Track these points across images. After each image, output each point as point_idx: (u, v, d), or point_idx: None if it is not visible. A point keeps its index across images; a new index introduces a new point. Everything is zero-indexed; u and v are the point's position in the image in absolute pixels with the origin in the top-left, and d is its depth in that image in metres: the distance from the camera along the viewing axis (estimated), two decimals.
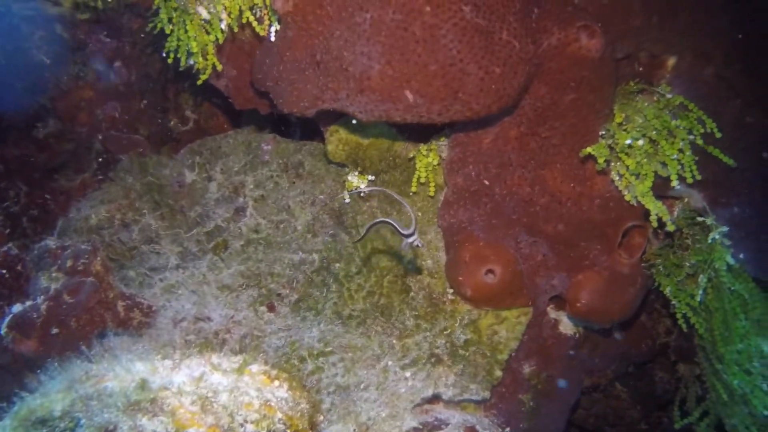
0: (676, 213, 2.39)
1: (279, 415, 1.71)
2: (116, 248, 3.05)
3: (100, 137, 3.38)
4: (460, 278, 2.36)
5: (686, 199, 2.38)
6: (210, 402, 1.65)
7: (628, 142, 2.19)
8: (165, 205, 3.13)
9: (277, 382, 1.84)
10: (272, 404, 1.72)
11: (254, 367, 1.83)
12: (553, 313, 2.56)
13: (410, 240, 2.01)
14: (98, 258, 2.52)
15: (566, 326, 2.57)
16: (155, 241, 3.09)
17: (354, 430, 2.23)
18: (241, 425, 1.64)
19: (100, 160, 3.39)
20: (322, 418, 1.85)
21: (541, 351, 2.53)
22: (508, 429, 2.40)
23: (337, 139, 2.68)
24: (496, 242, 2.37)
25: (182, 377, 1.71)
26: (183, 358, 1.79)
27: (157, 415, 1.54)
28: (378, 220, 2.19)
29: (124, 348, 1.79)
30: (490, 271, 2.33)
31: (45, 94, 3.34)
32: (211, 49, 2.44)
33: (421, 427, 2.27)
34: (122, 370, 1.69)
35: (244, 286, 2.94)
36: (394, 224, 2.04)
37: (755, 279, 2.28)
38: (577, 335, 2.56)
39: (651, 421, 2.89)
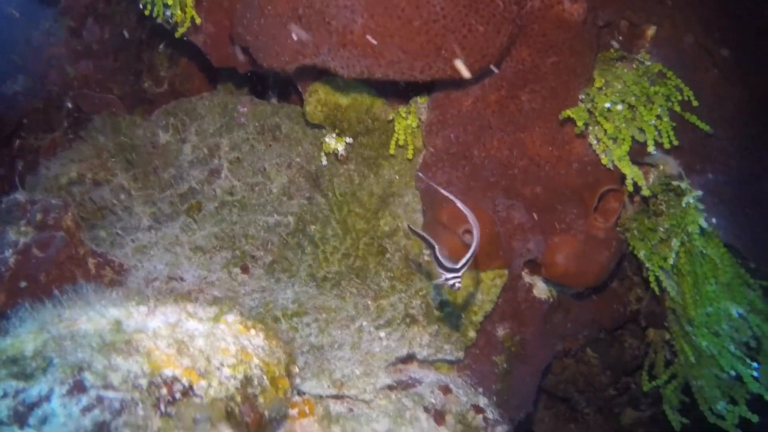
0: (651, 180, 2.41)
1: (256, 360, 1.70)
2: (87, 207, 2.99)
3: (72, 96, 3.30)
4: (437, 239, 2.35)
5: (662, 167, 2.40)
6: (186, 346, 1.63)
7: (607, 105, 2.21)
8: (138, 166, 3.08)
9: (253, 331, 1.82)
10: (249, 351, 1.71)
11: (230, 317, 1.82)
12: (527, 277, 2.58)
13: (450, 277, 1.82)
14: (69, 213, 2.47)
15: (540, 290, 2.59)
16: (127, 201, 3.04)
17: (328, 386, 2.22)
18: (218, 368, 1.63)
19: (71, 119, 3.32)
20: (297, 369, 1.84)
21: (516, 314, 2.54)
22: (480, 389, 2.41)
23: (315, 100, 2.66)
24: (475, 204, 2.37)
25: (157, 323, 1.69)
26: (158, 305, 1.76)
27: (132, 356, 1.52)
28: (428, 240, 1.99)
29: (98, 297, 1.75)
30: (467, 231, 2.33)
31: (14, 51, 3.25)
32: (189, 1, 2.39)
33: (395, 384, 2.27)
34: (96, 314, 1.67)
35: (217, 248, 2.90)
36: (437, 254, 1.87)
37: (726, 245, 2.32)
38: (551, 300, 2.58)
39: (619, 387, 2.93)
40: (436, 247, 1.92)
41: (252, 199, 2.99)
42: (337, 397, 2.23)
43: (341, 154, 2.74)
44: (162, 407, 1.40)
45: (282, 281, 2.79)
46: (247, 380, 1.64)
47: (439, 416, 2.20)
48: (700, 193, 2.17)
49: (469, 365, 2.48)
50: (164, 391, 1.43)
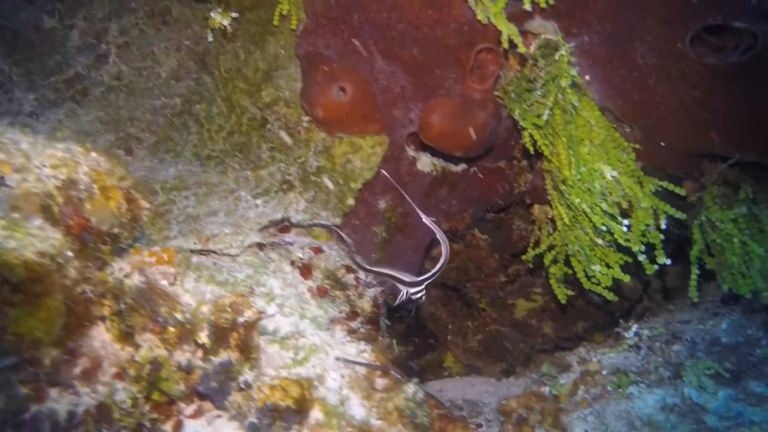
0: (532, 48, 2.40)
1: (85, 168, 1.62)
2: None
3: None
4: (312, 98, 2.31)
5: (542, 35, 2.39)
6: (6, 146, 1.55)
7: None
8: (20, 51, 2.95)
9: (94, 154, 1.75)
10: (79, 160, 1.64)
11: (72, 144, 1.74)
12: (412, 151, 2.55)
13: (413, 291, 1.91)
14: None
15: (424, 164, 2.56)
16: (8, 86, 2.92)
17: (194, 242, 2.16)
18: (38, 168, 1.55)
19: None
20: (147, 204, 1.77)
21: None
22: (359, 257, 2.38)
23: None
24: (351, 65, 2.33)
25: None
26: None
27: None
28: (382, 270, 2.04)
29: None
30: (341, 89, 2.29)
31: None
32: None
33: (264, 242, 2.22)
34: None
35: (102, 132, 2.81)
36: (396, 274, 1.95)
37: (601, 108, 2.32)
38: (435, 173, 2.56)
39: (510, 273, 2.93)
40: (393, 272, 2.00)
41: (140, 83, 2.90)
42: (202, 252, 2.17)
43: (228, 31, 2.66)
44: None
45: (166, 161, 2.72)
46: (71, 182, 1.57)
47: (306, 270, 2.16)
48: (572, 44, 2.15)
49: (349, 234, 2.45)
50: None
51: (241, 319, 1.63)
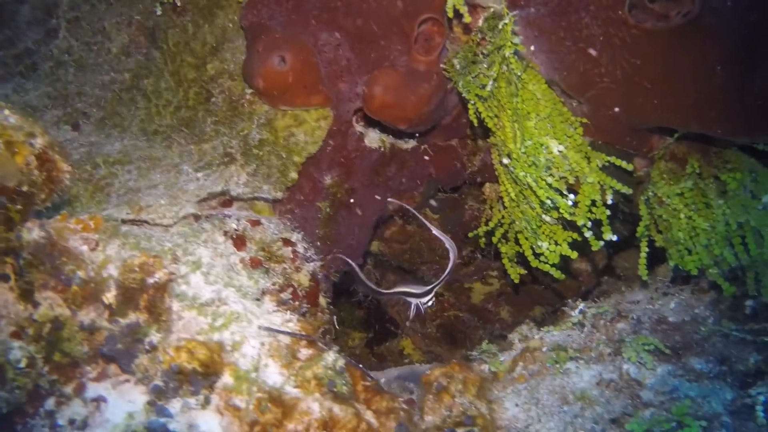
0: (480, 20, 2.35)
1: None
2: None
3: None
4: (253, 68, 2.26)
5: (491, 8, 2.34)
6: None
7: None
8: None
9: (7, 111, 1.70)
10: None
11: None
12: (360, 126, 2.50)
13: (423, 301, 1.92)
14: None
15: (372, 140, 2.51)
16: None
17: (127, 212, 2.11)
18: None
19: None
20: (68, 167, 1.71)
21: (345, 163, 2.46)
22: (302, 233, 2.33)
23: None
24: (293, 35, 2.28)
25: None
26: None
27: None
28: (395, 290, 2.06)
29: None
30: (282, 58, 2.24)
31: None
32: None
33: (200, 214, 2.17)
34: None
35: (49, 107, 2.77)
36: (409, 289, 1.98)
37: (548, 81, 2.28)
38: (383, 149, 2.51)
39: (464, 255, 2.88)
40: (404, 288, 2.04)
41: (90, 58, 2.85)
42: (135, 222, 2.12)
43: (178, 5, 2.61)
44: None
45: (113, 136, 2.67)
46: None
47: (239, 241, 2.11)
48: (516, 12, 2.11)
49: (292, 210, 2.40)
50: None
51: (150, 280, 1.58)
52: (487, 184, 2.60)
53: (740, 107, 1.90)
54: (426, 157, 2.60)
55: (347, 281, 3.10)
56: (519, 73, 2.15)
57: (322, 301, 2.26)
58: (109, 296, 1.54)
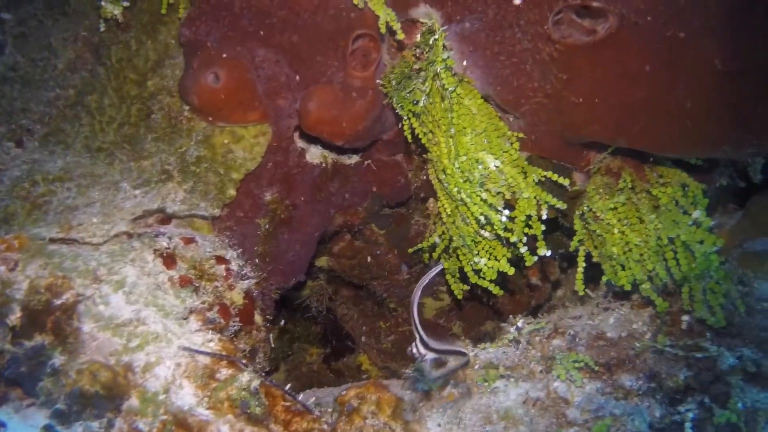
0: (418, 36, 2.35)
1: None
2: None
3: None
4: (188, 85, 2.26)
5: (427, 22, 2.34)
6: None
7: None
8: None
9: None
10: None
11: None
12: (301, 142, 2.49)
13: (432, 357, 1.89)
14: None
15: (313, 155, 2.50)
16: None
17: (57, 231, 2.09)
18: None
19: None
20: None
21: (286, 179, 2.45)
22: (240, 250, 2.31)
23: None
24: (229, 52, 2.27)
25: None
26: None
27: None
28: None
29: None
30: (216, 76, 2.23)
31: None
32: None
33: (131, 232, 2.15)
34: None
35: None
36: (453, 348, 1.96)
37: (484, 96, 2.27)
38: (325, 165, 2.50)
39: (411, 271, 2.86)
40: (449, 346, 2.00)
41: (36, 74, 2.84)
42: (65, 240, 2.10)
43: (121, 21, 2.61)
44: None
45: (56, 153, 2.65)
46: None
47: (169, 259, 2.09)
48: (445, 27, 2.11)
49: (231, 227, 2.38)
50: None
51: (57, 301, 1.56)
52: (431, 200, 2.59)
53: (664, 122, 1.90)
54: (370, 173, 2.59)
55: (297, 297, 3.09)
56: (451, 89, 2.14)
57: (258, 319, 2.24)
58: (13, 318, 1.51)
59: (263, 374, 1.77)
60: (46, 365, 1.51)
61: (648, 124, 1.89)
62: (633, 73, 1.84)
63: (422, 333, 1.89)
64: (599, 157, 2.25)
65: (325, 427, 1.73)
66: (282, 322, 3.32)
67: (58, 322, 1.53)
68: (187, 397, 1.64)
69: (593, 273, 2.36)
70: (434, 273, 2.18)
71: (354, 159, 2.58)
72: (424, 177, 2.64)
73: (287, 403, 1.77)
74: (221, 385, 1.66)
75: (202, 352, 1.74)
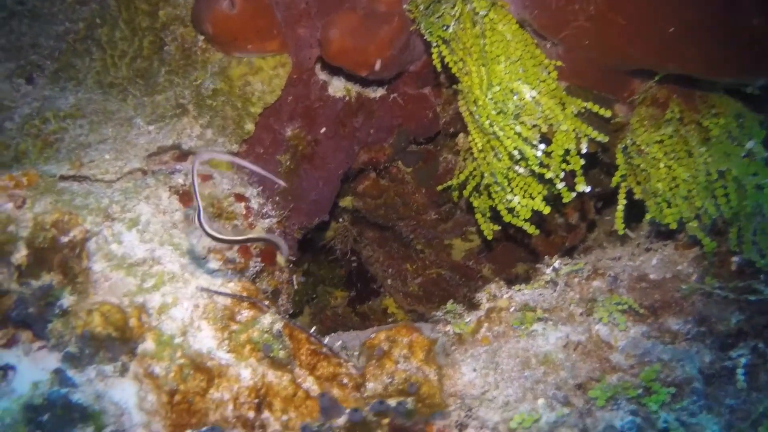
0: None
1: None
2: None
3: None
4: (202, 13, 2.11)
5: None
6: None
7: None
8: None
9: None
10: None
11: None
12: (323, 74, 2.35)
13: None
14: None
15: (336, 88, 2.36)
16: None
17: (67, 168, 1.98)
18: None
19: None
20: None
21: (307, 113, 2.31)
22: (260, 188, 2.20)
23: None
24: None
25: None
26: None
27: None
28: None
29: None
30: (231, 2, 2.08)
31: None
32: None
33: (146, 169, 2.04)
34: None
35: (2, 59, 2.63)
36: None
37: (519, 21, 2.10)
38: (348, 98, 2.35)
39: (440, 210, 2.73)
40: None
41: (44, 8, 2.70)
42: (77, 178, 2.00)
43: None
44: None
45: (67, 89, 2.53)
46: None
47: (186, 197, 1.98)
48: None
49: (253, 163, 2.25)
50: None
51: (64, 239, 1.45)
52: (461, 135, 2.44)
53: (724, 44, 1.72)
54: (396, 107, 2.44)
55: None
56: (483, 12, 1.97)
57: (280, 259, 2.13)
58: (19, 257, 1.42)
59: (287, 316, 1.67)
60: (54, 306, 1.42)
61: (705, 47, 1.72)
62: None
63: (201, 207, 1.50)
64: (644, 87, 2.08)
65: (353, 371, 1.63)
66: (305, 265, 3.24)
67: (66, 260, 1.43)
68: (205, 339, 1.55)
69: (632, 212, 2.21)
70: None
71: (379, 92, 2.43)
72: (453, 111, 2.48)
73: (312, 347, 1.67)
74: (242, 327, 1.56)
75: (221, 293, 1.65)
